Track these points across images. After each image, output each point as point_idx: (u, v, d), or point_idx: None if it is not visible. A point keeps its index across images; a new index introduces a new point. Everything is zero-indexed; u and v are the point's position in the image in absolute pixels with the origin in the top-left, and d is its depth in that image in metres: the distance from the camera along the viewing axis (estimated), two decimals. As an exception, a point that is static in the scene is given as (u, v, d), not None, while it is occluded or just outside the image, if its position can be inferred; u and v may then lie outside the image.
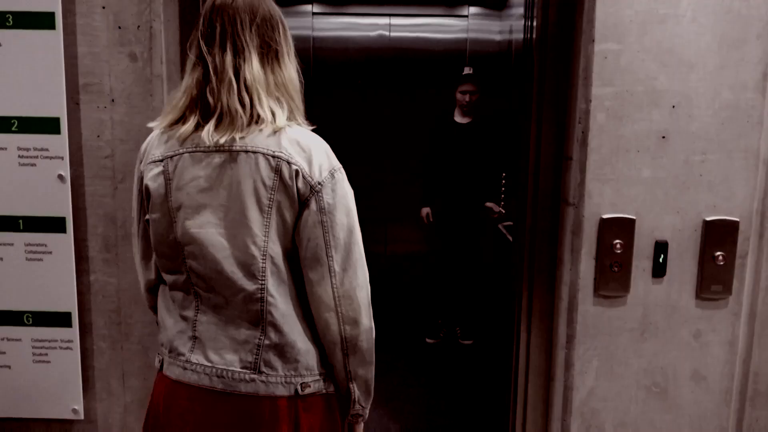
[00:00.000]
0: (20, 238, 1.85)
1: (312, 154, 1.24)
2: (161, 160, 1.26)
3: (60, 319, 1.88)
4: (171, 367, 1.30)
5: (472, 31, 4.82)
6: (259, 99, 1.23)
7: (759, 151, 1.77)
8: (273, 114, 1.23)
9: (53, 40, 1.76)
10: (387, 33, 4.82)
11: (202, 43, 1.24)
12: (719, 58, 1.72)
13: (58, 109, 1.78)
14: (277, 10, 1.30)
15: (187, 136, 1.24)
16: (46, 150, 1.81)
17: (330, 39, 4.63)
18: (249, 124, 1.22)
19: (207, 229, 1.24)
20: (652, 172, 1.77)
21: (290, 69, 1.29)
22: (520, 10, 3.44)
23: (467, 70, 4.02)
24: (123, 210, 1.86)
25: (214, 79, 1.22)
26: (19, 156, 1.81)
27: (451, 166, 3.85)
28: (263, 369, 1.25)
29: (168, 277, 1.32)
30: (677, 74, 1.73)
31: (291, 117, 1.28)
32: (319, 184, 1.23)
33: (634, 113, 1.75)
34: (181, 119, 1.26)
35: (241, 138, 1.22)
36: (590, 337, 1.85)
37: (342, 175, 1.27)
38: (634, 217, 1.78)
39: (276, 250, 1.24)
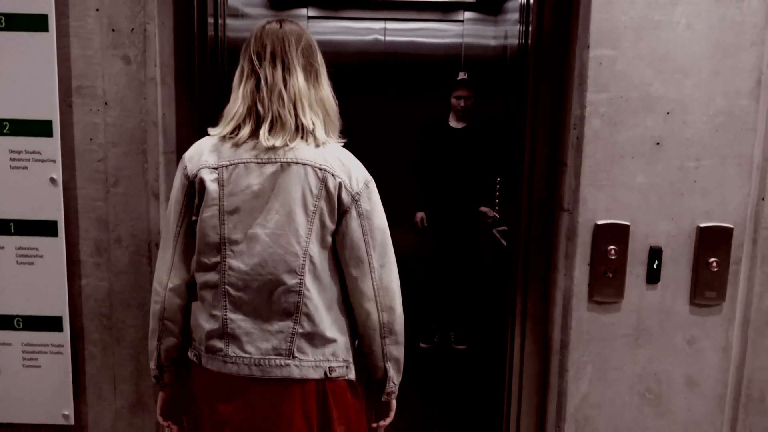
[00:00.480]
0: (11, 242, 1.83)
1: (351, 168, 1.45)
2: (216, 168, 1.43)
3: (51, 324, 1.87)
4: (211, 361, 1.45)
5: (467, 36, 4.82)
6: (303, 109, 1.43)
7: (753, 158, 1.77)
8: (313, 124, 1.44)
9: (46, 42, 1.75)
10: (382, 37, 4.83)
11: (254, 58, 1.45)
12: (713, 64, 1.73)
13: (51, 112, 1.77)
14: (314, 40, 1.54)
15: (244, 141, 1.42)
16: (39, 153, 1.79)
17: (325, 43, 4.60)
18: (296, 131, 1.42)
19: (255, 230, 1.41)
20: (646, 178, 1.77)
21: (327, 89, 1.50)
22: (516, 16, 3.44)
23: (462, 75, 4.02)
24: (115, 213, 1.84)
25: (265, 89, 1.42)
26: (10, 159, 1.80)
27: (445, 170, 3.85)
28: (296, 354, 1.42)
29: (200, 277, 1.46)
30: (672, 80, 1.73)
31: (327, 130, 1.48)
32: (358, 194, 1.44)
33: (628, 119, 1.75)
34: (236, 129, 1.44)
35: (291, 150, 1.41)
36: (584, 343, 1.84)
37: (373, 185, 1.49)
38: (628, 223, 1.78)
39: (314, 250, 1.42)
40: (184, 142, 2.01)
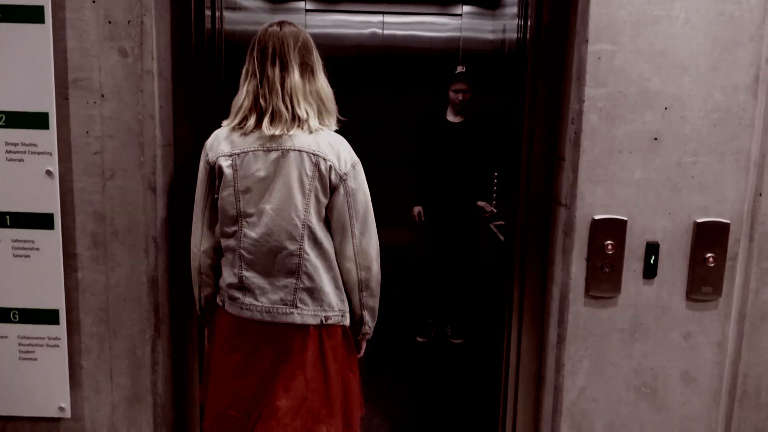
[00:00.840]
0: (7, 234, 1.83)
1: (340, 152, 1.74)
2: (230, 156, 1.73)
3: (47, 317, 1.86)
4: (231, 306, 1.79)
5: (465, 30, 4.81)
6: (298, 102, 1.71)
7: (750, 154, 1.77)
8: (307, 114, 1.72)
9: (42, 34, 1.74)
10: (380, 31, 4.81)
11: (258, 58, 1.73)
12: (712, 60, 1.73)
13: (47, 104, 1.77)
14: (310, 37, 1.79)
15: (251, 131, 1.72)
16: (35, 145, 1.79)
17: (322, 36, 4.61)
18: (293, 121, 1.71)
19: (264, 205, 1.72)
20: (644, 174, 1.77)
21: (321, 81, 1.77)
22: (514, 10, 3.44)
23: (460, 69, 4.01)
24: (112, 206, 1.84)
25: (266, 86, 1.71)
26: (6, 151, 1.79)
27: (443, 165, 3.85)
28: (299, 305, 1.75)
29: (224, 242, 1.80)
30: (670, 76, 1.73)
31: (321, 117, 1.76)
32: (345, 174, 1.74)
33: (626, 114, 1.75)
34: (243, 120, 1.73)
35: (290, 138, 1.70)
36: (581, 338, 1.85)
37: (359, 166, 1.78)
38: (625, 218, 1.79)
39: (312, 221, 1.73)
40: (180, 135, 2.01)
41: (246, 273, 1.75)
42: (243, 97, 1.73)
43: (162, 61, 1.86)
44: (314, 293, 1.76)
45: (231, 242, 1.77)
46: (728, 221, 1.79)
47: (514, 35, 2.53)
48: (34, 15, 1.73)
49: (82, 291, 1.88)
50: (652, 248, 1.80)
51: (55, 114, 1.77)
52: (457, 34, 4.82)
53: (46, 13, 1.73)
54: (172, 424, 2.08)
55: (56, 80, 1.76)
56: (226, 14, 2.35)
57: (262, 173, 1.71)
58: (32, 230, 1.82)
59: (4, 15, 1.73)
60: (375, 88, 4.77)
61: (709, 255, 1.79)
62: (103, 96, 1.79)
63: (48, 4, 1.73)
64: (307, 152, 1.71)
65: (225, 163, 1.73)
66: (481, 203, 3.89)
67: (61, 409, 1.92)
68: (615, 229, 1.78)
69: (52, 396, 1.91)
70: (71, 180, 1.83)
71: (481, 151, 3.82)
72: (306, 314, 1.76)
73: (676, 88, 1.74)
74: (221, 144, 1.74)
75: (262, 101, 1.71)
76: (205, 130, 2.07)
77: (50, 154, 1.79)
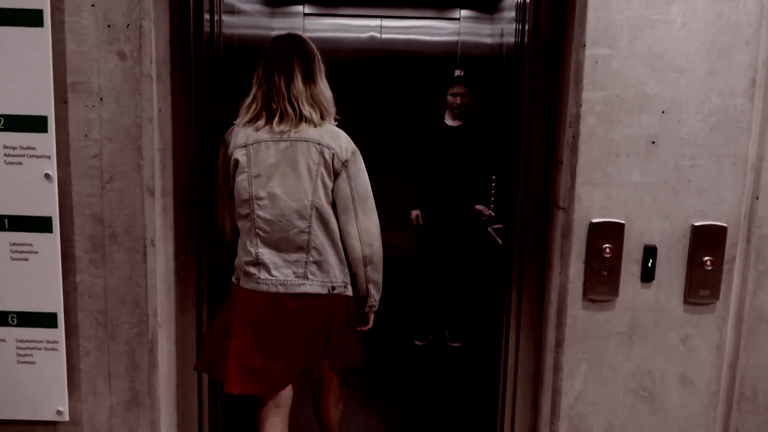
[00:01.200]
0: (5, 238, 1.82)
1: (341, 141, 2.01)
2: (245, 146, 1.99)
3: (45, 320, 1.86)
4: (248, 283, 2.04)
5: (463, 33, 4.82)
6: (302, 105, 1.99)
7: (747, 157, 1.78)
8: (311, 114, 1.99)
9: (41, 37, 1.74)
10: (378, 35, 4.82)
11: (265, 67, 2.01)
12: (709, 63, 1.73)
13: (46, 108, 1.76)
14: (313, 47, 2.06)
15: (262, 128, 1.99)
16: (33, 149, 1.79)
17: (321, 40, 4.62)
18: (299, 121, 1.98)
19: (275, 189, 1.98)
20: (641, 177, 1.78)
21: (321, 85, 2.03)
22: (512, 14, 3.45)
23: (458, 73, 4.03)
24: (111, 209, 1.84)
25: (274, 92, 1.99)
26: (5, 154, 1.79)
27: (441, 169, 3.85)
28: (309, 276, 2.02)
29: (239, 223, 2.05)
30: (667, 79, 1.74)
31: (323, 116, 2.03)
32: (347, 161, 2.01)
33: (624, 118, 1.75)
34: (254, 118, 2.01)
35: (296, 131, 1.98)
36: (579, 341, 1.85)
37: (359, 155, 2.05)
38: (623, 222, 1.79)
39: (318, 202, 1.99)
40: (179, 139, 2.01)
41: (261, 250, 2.00)
42: (252, 99, 2.02)
43: (161, 65, 1.86)
44: (322, 266, 2.02)
45: (245, 223, 2.02)
46: (725, 224, 1.80)
47: (512, 39, 2.54)
48: (33, 18, 1.73)
49: (81, 294, 1.88)
50: (650, 251, 1.80)
51: (53, 117, 1.77)
52: (455, 38, 4.84)
53: (45, 16, 1.73)
54: (172, 428, 2.07)
55: (55, 83, 1.76)
56: (225, 18, 2.35)
57: (272, 160, 1.97)
58: (31, 233, 1.82)
59: (2, 18, 1.73)
60: (374, 91, 4.78)
61: (706, 258, 1.80)
62: (101, 99, 1.79)
63: (47, 8, 1.73)
64: (312, 142, 1.97)
65: (240, 153, 1.98)
66: (479, 207, 3.90)
67: (59, 412, 1.91)
68: (613, 232, 1.79)
69: (50, 399, 1.91)
70: (70, 183, 1.83)
71: (479, 155, 3.83)
72: (315, 284, 2.02)
73: (674, 91, 1.74)
74: (238, 137, 2.00)
75: (272, 104, 1.98)
76: (203, 133, 2.08)
77: (49, 157, 1.79)
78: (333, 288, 2.04)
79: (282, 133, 1.96)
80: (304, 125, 1.97)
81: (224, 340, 2.04)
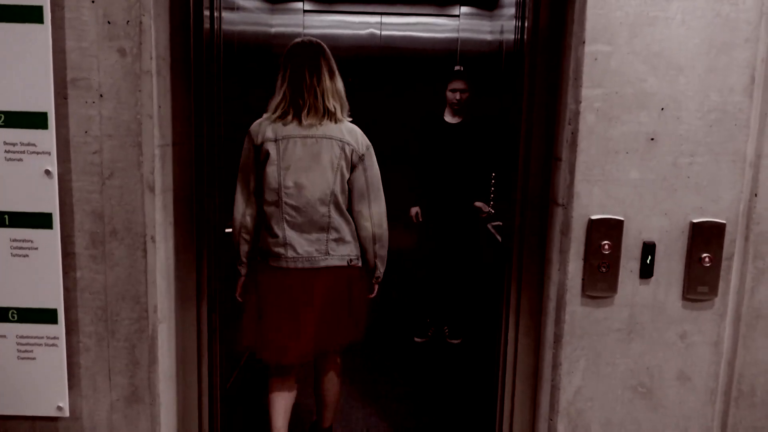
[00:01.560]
0: (6, 234, 1.83)
1: (358, 138, 2.34)
2: (275, 141, 2.26)
3: (46, 316, 1.87)
4: (275, 261, 2.32)
5: (463, 30, 4.82)
6: (328, 99, 2.28)
7: (746, 154, 1.78)
8: (335, 108, 2.29)
9: (41, 34, 1.74)
10: (378, 32, 4.82)
11: (291, 68, 2.29)
12: (708, 61, 1.74)
13: (46, 104, 1.77)
14: (327, 48, 2.35)
15: (290, 123, 2.26)
16: (33, 145, 1.79)
17: (321, 37, 4.59)
18: (323, 116, 2.28)
19: (301, 180, 2.26)
20: (640, 174, 1.78)
21: (339, 84, 2.35)
22: (512, 11, 3.45)
23: (457, 68, 4.02)
24: (111, 206, 1.84)
25: (305, 89, 2.27)
26: (5, 151, 1.79)
27: (440, 165, 3.85)
28: (330, 252, 2.33)
29: (267, 209, 2.31)
30: (666, 77, 1.74)
31: (342, 109, 2.33)
32: (363, 155, 2.33)
33: (623, 115, 1.76)
34: (283, 115, 2.27)
35: (321, 128, 2.27)
36: (577, 337, 1.86)
37: (372, 149, 2.37)
38: (622, 218, 1.80)
39: (337, 190, 2.30)
40: (179, 135, 2.01)
41: (288, 232, 2.29)
42: (282, 98, 2.28)
43: (161, 61, 1.86)
44: (340, 242, 2.34)
45: (273, 209, 2.29)
46: (724, 221, 1.80)
47: (512, 36, 2.54)
48: (32, 15, 1.73)
49: (81, 290, 1.88)
50: (649, 248, 1.81)
51: (53, 114, 1.77)
52: (455, 35, 4.83)
53: (45, 12, 1.73)
54: (172, 423, 2.08)
55: (55, 80, 1.76)
56: (225, 14, 2.35)
57: (300, 154, 2.25)
58: (31, 230, 1.82)
59: (2, 15, 1.74)
60: (373, 88, 4.77)
61: (705, 255, 1.80)
62: (101, 96, 1.80)
63: (47, 4, 1.73)
64: (335, 139, 2.27)
65: (271, 146, 2.25)
66: (478, 204, 3.90)
67: (60, 408, 1.92)
68: (612, 229, 1.79)
69: (50, 395, 1.91)
70: (70, 179, 1.83)
71: (478, 152, 3.83)
72: (335, 258, 2.34)
73: (673, 89, 1.75)
74: (266, 131, 2.26)
75: (299, 101, 2.25)
76: (203, 129, 2.08)
77: (49, 153, 1.79)
78: (350, 260, 2.37)
79: (310, 126, 2.25)
80: (326, 121, 2.27)
81: (259, 316, 2.34)
